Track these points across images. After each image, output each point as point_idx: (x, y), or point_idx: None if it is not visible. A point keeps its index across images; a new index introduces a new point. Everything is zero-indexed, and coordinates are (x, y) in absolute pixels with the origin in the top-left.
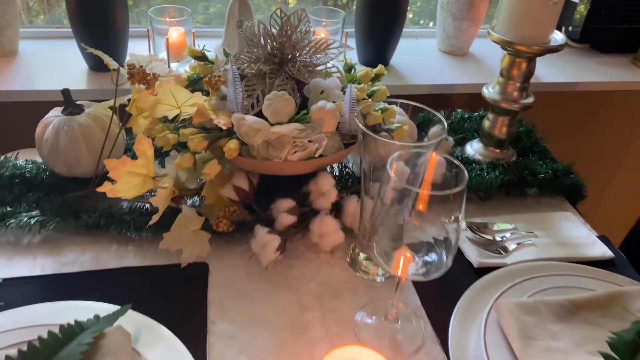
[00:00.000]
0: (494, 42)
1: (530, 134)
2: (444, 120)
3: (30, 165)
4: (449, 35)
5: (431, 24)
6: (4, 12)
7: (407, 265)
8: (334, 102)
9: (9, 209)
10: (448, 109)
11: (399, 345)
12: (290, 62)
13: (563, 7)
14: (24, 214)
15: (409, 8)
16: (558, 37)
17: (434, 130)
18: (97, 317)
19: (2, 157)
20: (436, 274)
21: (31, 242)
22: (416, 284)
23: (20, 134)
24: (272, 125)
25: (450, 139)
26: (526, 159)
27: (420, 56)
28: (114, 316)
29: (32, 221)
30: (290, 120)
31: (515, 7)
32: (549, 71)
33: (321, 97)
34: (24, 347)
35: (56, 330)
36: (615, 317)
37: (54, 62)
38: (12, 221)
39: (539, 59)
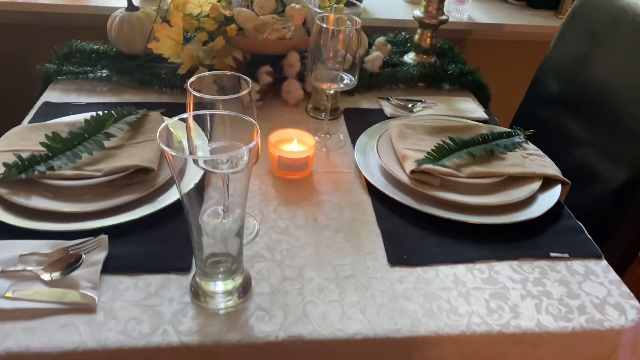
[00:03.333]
0: None
1: (452, 49)
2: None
3: (103, 46)
4: None
5: None
6: None
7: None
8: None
9: (89, 68)
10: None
11: (326, 144)
12: None
13: None
14: (98, 72)
15: None
16: None
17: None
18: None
19: (79, 41)
20: (350, 84)
21: (102, 89)
22: (347, 120)
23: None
24: (258, 16)
25: (389, 45)
26: (442, 62)
27: (387, 1)
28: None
29: (104, 74)
30: (271, 14)
31: None
32: (485, 16)
33: (292, 1)
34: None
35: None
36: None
37: None
38: (91, 75)
39: (483, 8)
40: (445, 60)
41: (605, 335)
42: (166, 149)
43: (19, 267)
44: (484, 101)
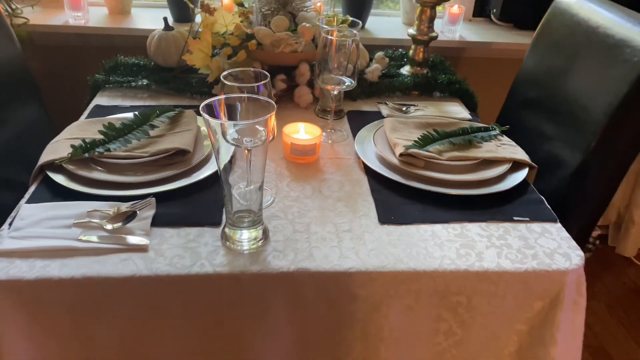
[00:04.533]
0: (415, 1)
1: (443, 63)
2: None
3: (143, 60)
4: (407, 11)
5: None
6: None
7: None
8: (312, 24)
9: (131, 78)
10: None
11: (331, 137)
12: (289, 4)
13: None
14: (139, 81)
15: None
16: None
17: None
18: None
19: (122, 56)
20: (350, 85)
21: (142, 96)
22: (350, 120)
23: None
24: (275, 33)
25: (387, 59)
26: (434, 73)
27: (388, 24)
28: (186, 111)
29: (144, 83)
30: (285, 31)
31: None
32: (475, 35)
33: (303, 21)
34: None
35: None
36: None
37: (154, 19)
38: (133, 84)
39: (473, 29)
40: (437, 72)
41: (553, 275)
42: (207, 116)
43: (86, 220)
44: (471, 107)
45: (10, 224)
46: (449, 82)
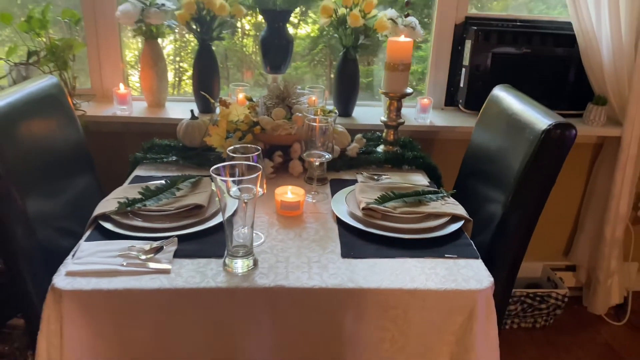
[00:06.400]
0: (382, 94)
1: (411, 142)
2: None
3: (172, 141)
4: (386, 102)
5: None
6: (162, 89)
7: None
8: (302, 114)
9: (163, 155)
10: (374, 132)
11: (315, 198)
12: (286, 99)
13: (460, 84)
14: (170, 158)
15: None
16: (408, 90)
17: (357, 136)
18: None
19: (157, 139)
20: (328, 158)
21: (171, 169)
22: (332, 185)
23: (163, 135)
24: (274, 120)
25: (364, 140)
26: (404, 150)
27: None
28: (203, 178)
29: (173, 159)
30: (282, 119)
31: (387, 77)
32: (443, 121)
33: (297, 112)
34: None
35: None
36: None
37: (183, 110)
38: (165, 159)
39: (442, 116)
40: (406, 150)
41: (467, 294)
42: (214, 175)
43: (127, 252)
44: (435, 178)
45: (73, 255)
46: (414, 157)
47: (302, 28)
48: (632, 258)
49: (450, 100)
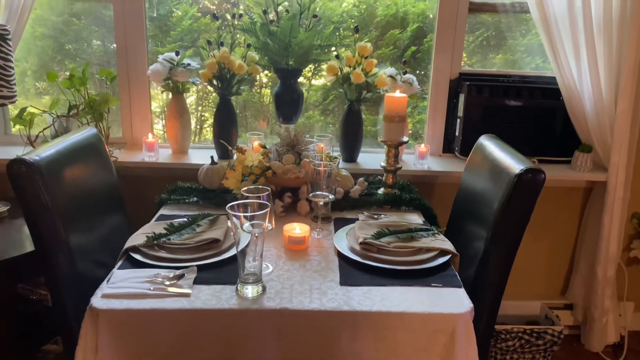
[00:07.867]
0: (381, 142)
1: (409, 186)
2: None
3: (194, 184)
4: None
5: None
6: (186, 138)
7: (318, 200)
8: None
9: (185, 197)
10: (375, 176)
11: (320, 234)
12: (296, 146)
13: (456, 133)
14: (191, 199)
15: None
16: (404, 139)
17: (360, 179)
18: (216, 215)
19: (180, 182)
20: (331, 199)
21: (193, 209)
22: (335, 223)
23: (185, 179)
24: (285, 165)
25: (366, 183)
26: (402, 193)
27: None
28: (220, 216)
29: (194, 200)
30: (292, 164)
31: (385, 127)
32: (441, 167)
33: (305, 157)
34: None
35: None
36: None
37: (204, 156)
38: (187, 200)
39: (440, 162)
40: (404, 192)
41: (448, 317)
42: (231, 213)
43: (153, 279)
44: (431, 218)
45: (108, 281)
46: (411, 199)
47: (317, 79)
48: (627, 298)
49: (448, 148)
